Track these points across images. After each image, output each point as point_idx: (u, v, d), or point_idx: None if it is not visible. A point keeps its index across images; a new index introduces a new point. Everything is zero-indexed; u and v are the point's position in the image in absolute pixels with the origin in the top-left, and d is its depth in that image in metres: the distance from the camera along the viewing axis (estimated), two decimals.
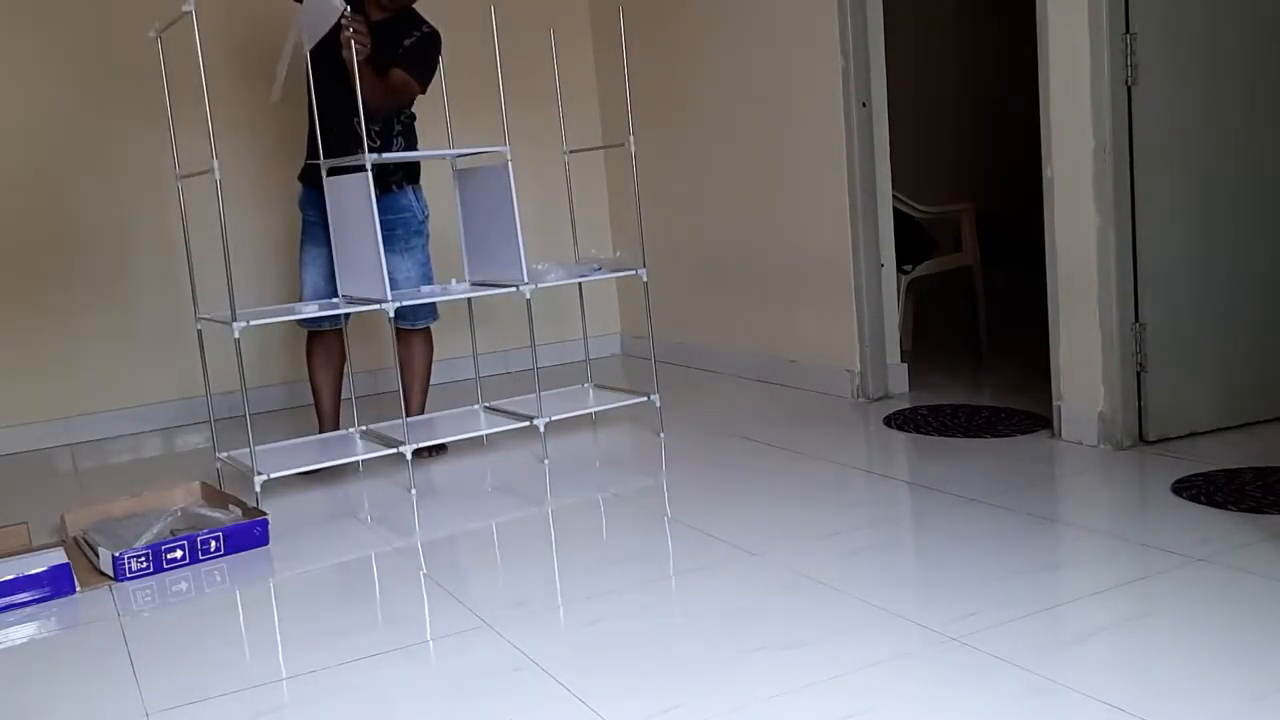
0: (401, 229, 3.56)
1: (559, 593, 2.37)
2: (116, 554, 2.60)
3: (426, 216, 3.66)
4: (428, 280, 3.64)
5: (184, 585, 2.60)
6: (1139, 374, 3.09)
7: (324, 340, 3.62)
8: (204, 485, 3.17)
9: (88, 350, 4.34)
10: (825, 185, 4.00)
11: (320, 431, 3.64)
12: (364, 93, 3.20)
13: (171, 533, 2.78)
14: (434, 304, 3.62)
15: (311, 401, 3.75)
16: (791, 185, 4.18)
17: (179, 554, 2.69)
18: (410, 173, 3.60)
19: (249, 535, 2.79)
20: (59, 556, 2.61)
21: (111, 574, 2.61)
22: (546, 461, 3.44)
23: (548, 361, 4.63)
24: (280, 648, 2.21)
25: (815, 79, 3.97)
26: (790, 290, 4.28)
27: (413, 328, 3.65)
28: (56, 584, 2.54)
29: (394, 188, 3.55)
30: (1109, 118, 2.97)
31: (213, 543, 2.73)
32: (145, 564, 2.64)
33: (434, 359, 3.76)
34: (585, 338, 4.08)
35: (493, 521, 2.97)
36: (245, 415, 3.12)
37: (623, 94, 3.74)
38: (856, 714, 1.73)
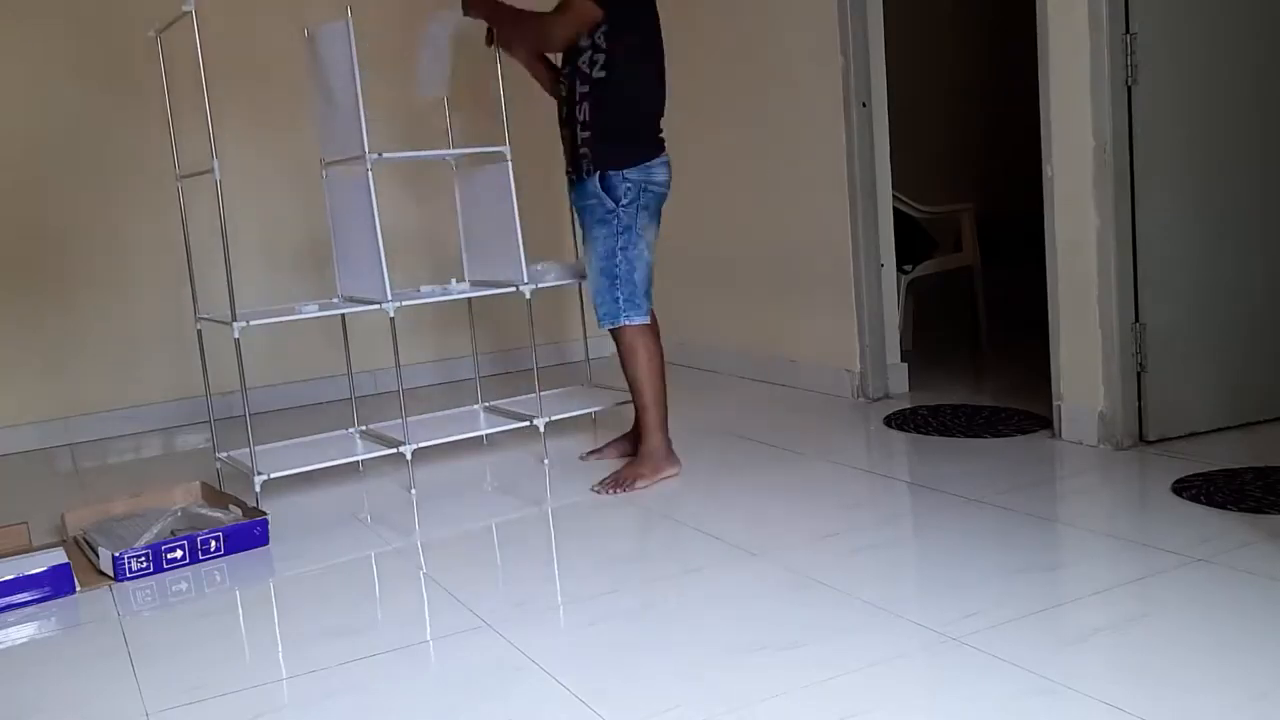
0: (587, 216, 3.18)
1: (559, 593, 2.37)
2: (117, 554, 2.60)
3: (627, 201, 3.12)
4: (607, 274, 3.15)
5: (184, 585, 2.60)
6: (1139, 374, 3.09)
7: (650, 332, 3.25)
8: (204, 485, 3.17)
9: (88, 350, 4.34)
10: (825, 185, 4.00)
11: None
12: (531, 38, 3.20)
13: (172, 533, 2.78)
14: (617, 300, 3.16)
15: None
16: (791, 185, 4.18)
17: (179, 554, 2.69)
18: (600, 157, 3.09)
19: (249, 535, 2.79)
20: (59, 556, 2.61)
21: (111, 574, 2.61)
22: (546, 461, 3.44)
23: (548, 361, 4.62)
24: (280, 648, 2.21)
25: (815, 79, 3.97)
26: (790, 290, 4.28)
27: (612, 327, 3.22)
28: (56, 584, 2.54)
29: (583, 174, 3.13)
30: (1109, 118, 2.97)
31: (213, 543, 2.73)
32: (145, 564, 2.64)
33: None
34: (585, 338, 4.08)
35: (493, 521, 2.97)
36: (245, 415, 3.12)
37: None
38: (856, 714, 1.73)
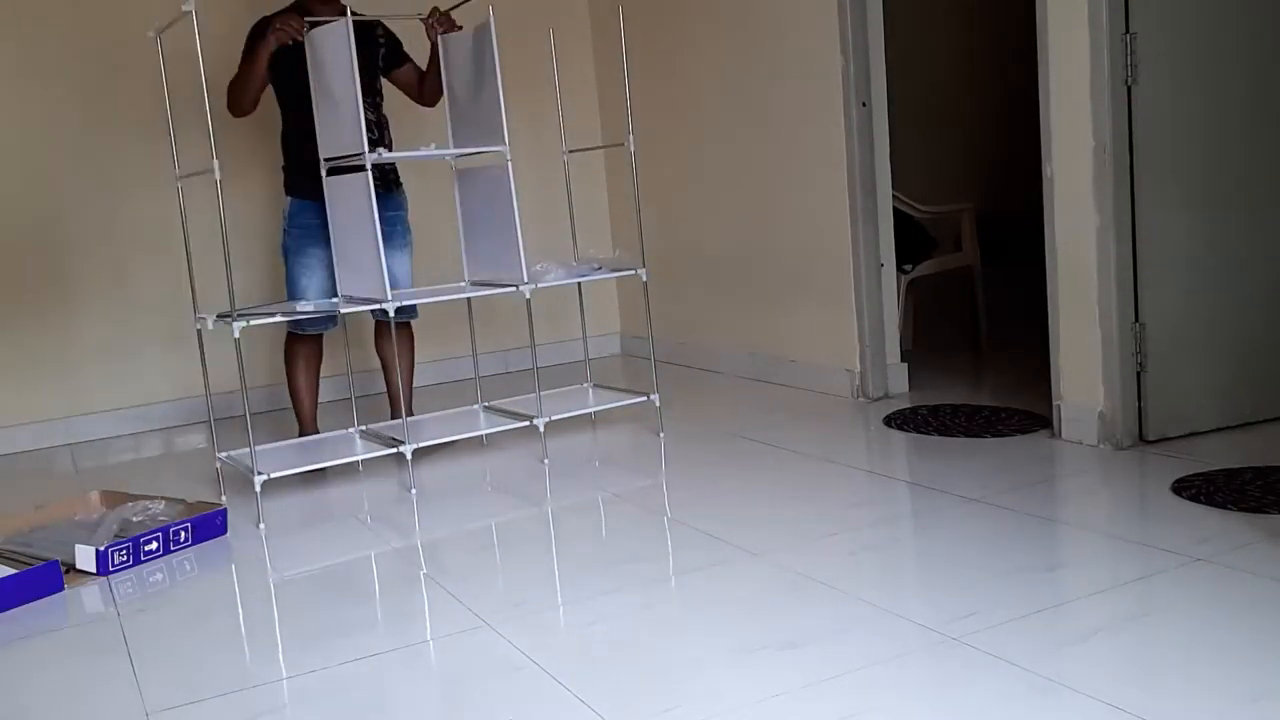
0: (401, 225, 3.66)
1: (559, 593, 2.37)
2: (100, 547, 2.65)
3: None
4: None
5: (184, 585, 2.60)
6: (1139, 374, 3.09)
7: (309, 343, 3.64)
8: (102, 493, 3.19)
9: (88, 350, 4.34)
10: (825, 185, 4.00)
11: (300, 434, 3.65)
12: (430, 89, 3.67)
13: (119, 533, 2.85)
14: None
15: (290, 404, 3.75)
16: (791, 185, 4.18)
17: (154, 545, 2.78)
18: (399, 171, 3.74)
19: (212, 525, 2.92)
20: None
21: (93, 569, 2.64)
22: (546, 461, 3.44)
23: (548, 361, 4.62)
24: (280, 648, 2.21)
25: (815, 79, 3.97)
26: (790, 290, 4.28)
27: (408, 320, 3.76)
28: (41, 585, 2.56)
29: (394, 186, 3.66)
30: (1109, 118, 2.97)
31: (182, 533, 2.85)
32: (126, 558, 2.72)
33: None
34: (585, 337, 4.08)
35: (493, 521, 2.97)
36: (245, 415, 3.12)
37: (623, 94, 3.74)
38: (856, 714, 1.73)
